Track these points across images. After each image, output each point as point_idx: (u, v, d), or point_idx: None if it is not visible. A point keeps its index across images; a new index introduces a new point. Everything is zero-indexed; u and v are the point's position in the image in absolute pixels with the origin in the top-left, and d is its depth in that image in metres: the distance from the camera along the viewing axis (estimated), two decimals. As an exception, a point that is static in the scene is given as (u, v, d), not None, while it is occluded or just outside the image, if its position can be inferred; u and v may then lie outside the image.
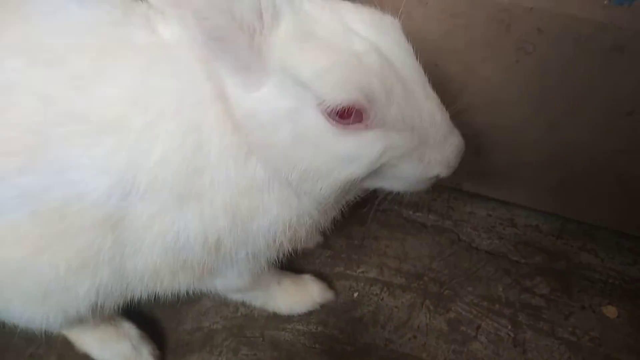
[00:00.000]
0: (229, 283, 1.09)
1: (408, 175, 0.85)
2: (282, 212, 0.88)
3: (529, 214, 1.49)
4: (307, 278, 1.32)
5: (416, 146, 0.81)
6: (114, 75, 0.81)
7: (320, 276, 1.34)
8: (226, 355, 1.22)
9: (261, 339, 1.25)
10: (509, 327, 1.28)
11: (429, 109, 0.80)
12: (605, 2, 0.98)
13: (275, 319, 1.28)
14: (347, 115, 0.75)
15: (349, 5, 0.81)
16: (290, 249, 0.98)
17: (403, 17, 1.12)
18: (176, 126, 0.80)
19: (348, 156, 0.79)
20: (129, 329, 1.22)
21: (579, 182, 1.36)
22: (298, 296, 1.29)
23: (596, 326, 1.29)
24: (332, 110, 0.74)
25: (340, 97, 0.73)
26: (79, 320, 1.05)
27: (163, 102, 0.80)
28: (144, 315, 1.28)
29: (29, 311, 0.97)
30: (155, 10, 0.86)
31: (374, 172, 0.83)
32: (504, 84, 1.19)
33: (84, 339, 1.20)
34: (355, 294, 1.34)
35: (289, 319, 1.28)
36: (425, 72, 0.84)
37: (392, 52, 0.78)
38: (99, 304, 0.97)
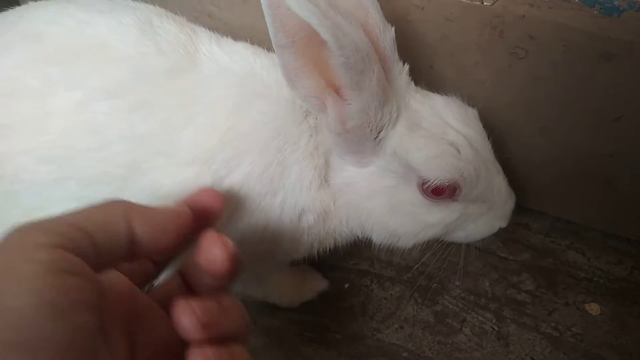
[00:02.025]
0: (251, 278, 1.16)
1: (472, 232, 1.02)
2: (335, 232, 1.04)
3: (519, 212, 1.53)
4: (305, 269, 1.37)
5: (485, 212, 0.98)
6: (201, 120, 0.88)
7: (313, 268, 1.39)
8: (220, 340, 1.27)
9: (253, 325, 1.30)
10: (494, 320, 1.33)
11: (498, 183, 0.98)
12: (595, 12, 1.01)
13: (268, 306, 1.33)
14: (440, 192, 0.91)
15: (440, 99, 0.96)
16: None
17: (401, 21, 1.17)
18: (259, 161, 0.89)
19: (433, 223, 0.95)
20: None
21: (568, 183, 1.39)
22: (297, 288, 1.34)
23: (579, 322, 1.33)
24: (428, 187, 0.90)
25: (444, 178, 0.88)
26: None
27: (249, 143, 0.89)
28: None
29: None
30: (216, 44, 0.97)
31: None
32: (497, 88, 1.22)
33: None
34: (346, 285, 1.38)
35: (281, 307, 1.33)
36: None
37: (476, 140, 0.93)
38: None
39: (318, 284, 1.34)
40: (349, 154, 0.91)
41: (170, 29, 0.94)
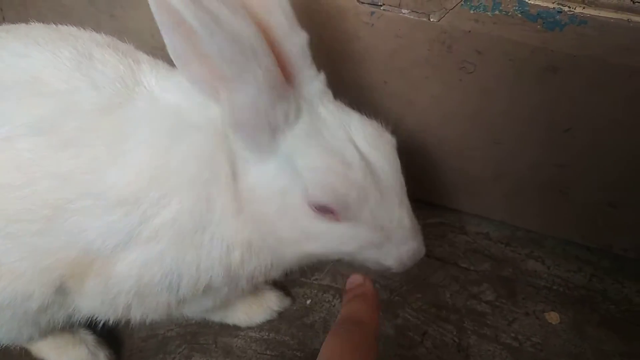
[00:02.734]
0: (198, 310, 1.13)
1: (365, 257, 0.93)
2: (262, 262, 0.98)
3: (480, 222, 1.55)
4: (267, 289, 1.35)
5: (381, 241, 0.90)
6: (130, 159, 0.86)
7: (275, 284, 1.38)
8: (179, 361, 1.26)
9: (214, 345, 1.29)
10: (454, 332, 1.33)
11: (399, 216, 0.89)
12: (538, 26, 1.03)
13: (229, 326, 1.32)
14: (321, 209, 0.85)
15: (356, 116, 0.91)
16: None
17: (352, 38, 1.18)
18: (188, 197, 0.88)
19: (315, 236, 0.89)
20: (85, 334, 1.25)
21: (525, 193, 1.41)
22: (256, 306, 1.32)
23: (538, 332, 1.34)
24: (312, 204, 0.85)
25: (318, 196, 0.83)
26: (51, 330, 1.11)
27: (179, 180, 0.87)
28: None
29: (7, 333, 1.05)
30: (155, 76, 0.95)
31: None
32: (449, 101, 1.24)
33: (41, 347, 1.23)
34: (309, 301, 1.38)
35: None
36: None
37: (380, 165, 0.87)
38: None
39: (278, 303, 1.33)
40: (249, 148, 0.86)
41: (110, 61, 0.93)
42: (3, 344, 1.11)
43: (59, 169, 0.84)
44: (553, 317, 1.37)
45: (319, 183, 0.83)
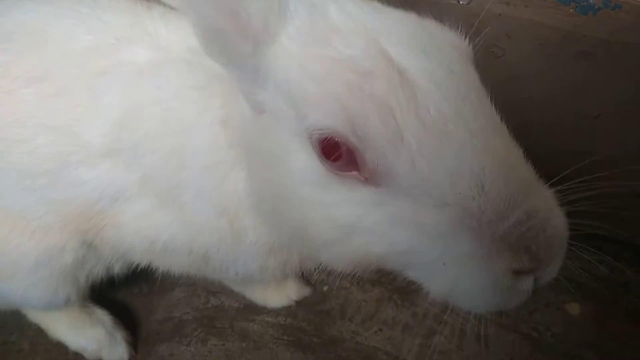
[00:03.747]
0: (218, 276, 1.09)
1: (460, 282, 0.59)
2: (261, 238, 0.82)
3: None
4: (289, 280, 1.34)
5: (458, 233, 0.55)
6: (108, 101, 0.84)
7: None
8: (195, 345, 1.25)
9: (230, 329, 1.28)
10: (473, 322, 1.31)
11: (474, 167, 0.54)
12: (570, 10, 1.00)
13: (245, 310, 1.31)
14: (336, 156, 0.57)
15: (396, 17, 0.64)
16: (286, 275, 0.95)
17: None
18: (159, 147, 0.82)
19: (344, 220, 0.60)
20: (102, 315, 1.25)
21: (546, 181, 1.38)
22: (275, 292, 1.31)
23: (559, 323, 1.32)
24: (317, 141, 0.58)
25: (321, 118, 0.57)
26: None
27: (148, 124, 0.82)
28: (117, 305, 1.30)
29: (44, 293, 1.03)
30: (165, 23, 0.87)
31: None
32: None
33: (57, 327, 1.23)
34: (325, 287, 1.37)
35: (258, 310, 1.31)
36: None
37: (431, 79, 0.57)
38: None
39: (297, 292, 1.32)
40: (236, 78, 0.68)
41: (116, 7, 0.90)
42: (41, 307, 1.13)
43: (54, 121, 0.84)
44: (574, 308, 1.35)
45: (316, 96, 0.57)
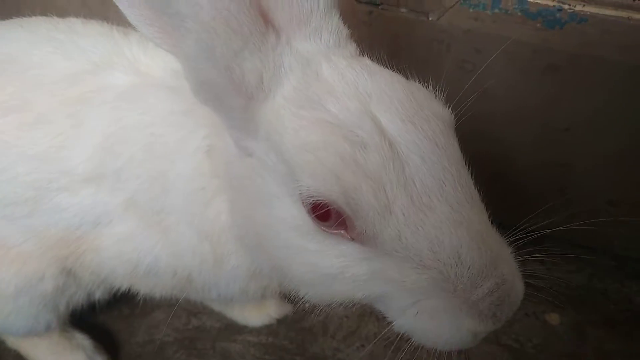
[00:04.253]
0: (199, 298, 1.10)
1: (427, 329, 0.65)
2: (243, 264, 0.83)
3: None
4: (268, 300, 1.33)
5: (433, 291, 0.60)
6: (91, 127, 0.84)
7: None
8: (176, 367, 1.24)
9: (212, 350, 1.27)
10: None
11: (453, 239, 0.58)
12: (537, 24, 1.02)
13: (226, 330, 1.30)
14: (325, 216, 0.59)
15: (386, 78, 0.65)
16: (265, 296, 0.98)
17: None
18: (143, 172, 0.82)
19: (328, 271, 0.62)
20: (82, 339, 1.23)
21: (523, 193, 1.40)
22: (255, 310, 1.31)
23: (539, 333, 1.33)
24: (308, 202, 0.59)
25: (316, 187, 0.58)
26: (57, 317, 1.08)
27: (132, 149, 0.82)
28: (97, 328, 1.29)
29: (24, 320, 1.02)
30: (143, 49, 0.88)
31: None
32: (447, 101, 1.23)
33: (37, 353, 1.21)
34: (307, 304, 1.36)
35: (240, 330, 1.30)
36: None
37: (415, 151, 0.59)
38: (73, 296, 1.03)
39: (277, 311, 1.32)
40: (227, 128, 0.69)
41: (92, 34, 0.90)
42: (20, 334, 1.11)
43: (34, 149, 0.84)
44: (553, 318, 1.36)
45: (311, 165, 0.58)
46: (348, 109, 0.60)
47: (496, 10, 1.03)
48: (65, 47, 0.88)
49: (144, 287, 0.98)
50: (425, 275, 0.59)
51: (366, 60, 0.69)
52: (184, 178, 0.79)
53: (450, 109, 0.69)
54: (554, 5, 0.99)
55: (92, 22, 0.94)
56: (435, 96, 0.69)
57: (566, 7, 0.98)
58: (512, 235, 0.80)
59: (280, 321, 1.32)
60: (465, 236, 0.59)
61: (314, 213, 0.60)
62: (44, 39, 0.89)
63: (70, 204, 0.86)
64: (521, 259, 1.45)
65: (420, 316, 0.63)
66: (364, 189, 0.56)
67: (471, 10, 1.04)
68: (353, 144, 0.57)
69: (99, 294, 1.06)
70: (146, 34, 0.64)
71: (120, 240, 0.88)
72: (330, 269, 0.62)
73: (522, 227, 1.51)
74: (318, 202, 0.58)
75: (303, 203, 0.60)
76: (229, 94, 0.63)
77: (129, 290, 1.00)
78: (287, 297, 1.36)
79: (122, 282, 0.97)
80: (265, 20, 0.63)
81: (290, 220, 0.63)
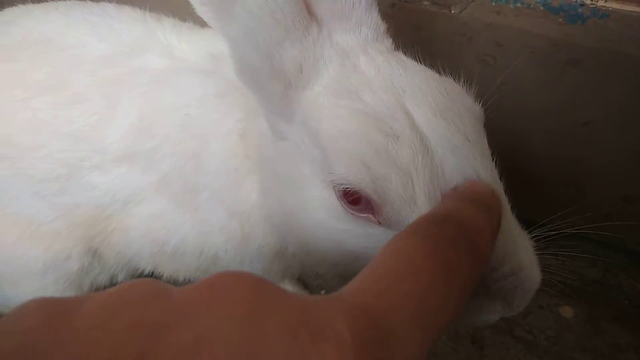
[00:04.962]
0: None
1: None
2: (268, 243, 0.84)
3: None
4: (287, 283, 1.36)
5: None
6: (125, 107, 0.86)
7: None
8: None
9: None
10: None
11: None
12: (559, 19, 1.03)
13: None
14: (355, 200, 0.61)
15: (421, 74, 0.66)
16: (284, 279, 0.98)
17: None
18: (177, 151, 0.84)
19: (352, 251, 0.63)
20: None
21: (540, 188, 1.41)
22: None
23: (552, 325, 1.34)
24: (338, 186, 0.61)
25: (348, 174, 0.59)
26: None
27: (167, 130, 0.84)
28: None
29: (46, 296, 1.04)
30: (176, 34, 0.91)
31: None
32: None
33: None
34: (322, 292, 1.38)
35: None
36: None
37: (448, 147, 0.60)
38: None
39: None
40: (263, 107, 0.70)
41: (125, 18, 0.93)
42: None
43: (70, 128, 0.86)
44: (567, 311, 1.37)
45: (345, 154, 0.59)
46: (383, 102, 0.61)
47: (518, 4, 1.04)
48: (100, 30, 0.90)
49: (168, 268, 0.99)
50: None
51: (401, 56, 0.70)
52: (217, 158, 0.81)
53: (480, 104, 0.69)
54: (576, 1, 1.00)
55: (125, 7, 0.96)
56: (467, 92, 0.69)
57: (588, 2, 0.99)
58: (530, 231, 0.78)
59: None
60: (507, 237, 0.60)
61: (345, 199, 0.61)
62: (79, 21, 0.91)
63: (102, 182, 0.87)
64: (538, 253, 1.48)
65: None
66: (392, 180, 0.57)
67: (493, 4, 1.05)
68: (386, 135, 0.58)
69: (121, 277, 1.08)
70: (199, 11, 0.66)
71: (150, 218, 0.90)
72: (355, 246, 0.63)
73: (541, 224, 1.52)
74: (348, 189, 0.60)
75: (334, 188, 0.61)
76: (269, 79, 0.64)
77: (152, 273, 1.02)
78: (304, 283, 1.39)
79: (147, 264, 0.99)
80: (310, 12, 0.65)
81: (320, 201, 0.64)
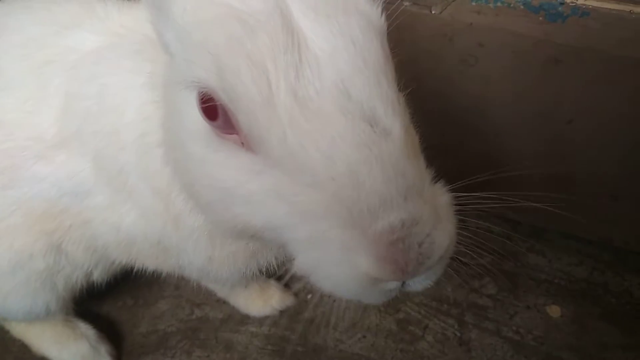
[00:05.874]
0: (199, 277, 1.05)
1: (323, 265, 0.55)
2: (196, 222, 0.79)
3: (480, 216, 1.54)
4: (272, 285, 1.35)
5: (329, 218, 0.52)
6: (54, 89, 0.83)
7: (278, 278, 1.37)
8: (180, 357, 1.25)
9: (215, 341, 1.28)
10: (456, 326, 1.33)
11: (350, 155, 0.50)
12: (540, 18, 1.02)
13: (229, 321, 1.32)
14: (213, 113, 0.55)
15: None
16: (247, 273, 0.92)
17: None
18: (100, 128, 0.81)
19: (223, 184, 0.58)
20: (86, 329, 1.24)
21: (526, 186, 1.40)
22: (259, 300, 1.32)
23: (540, 325, 1.34)
24: (197, 94, 0.56)
25: (197, 70, 0.54)
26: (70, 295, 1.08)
27: (86, 104, 0.81)
28: (101, 318, 1.31)
29: (23, 300, 1.02)
30: (118, 7, 0.88)
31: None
32: (450, 94, 1.23)
33: (41, 342, 1.22)
34: (309, 296, 1.37)
35: (242, 321, 1.32)
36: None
37: (326, 49, 0.53)
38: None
39: (280, 302, 1.33)
40: (155, 22, 0.63)
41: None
42: (21, 317, 1.10)
43: (6, 116, 0.84)
44: (554, 311, 1.37)
45: (198, 45, 0.54)
46: None
47: (499, 4, 1.03)
48: (38, 14, 0.88)
49: (132, 258, 0.97)
50: (319, 195, 0.51)
51: None
52: (132, 128, 0.77)
53: (383, 12, 0.61)
54: (556, -1, 0.99)
55: None
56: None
57: (568, 0, 0.99)
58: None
59: (283, 312, 1.33)
60: (368, 155, 0.50)
61: (205, 113, 0.55)
62: (19, 8, 0.90)
63: (48, 173, 0.85)
64: (522, 252, 1.46)
65: (315, 250, 0.54)
66: (242, 74, 0.50)
67: (474, 3, 1.04)
68: (244, 24, 0.52)
69: (97, 275, 1.06)
70: None
71: (102, 210, 0.87)
72: (225, 182, 0.57)
73: (522, 220, 1.51)
74: (202, 92, 0.54)
75: (195, 99, 0.56)
76: None
77: (132, 277, 1.01)
78: (289, 288, 1.38)
79: (116, 256, 0.97)
80: None
81: (193, 126, 0.58)
